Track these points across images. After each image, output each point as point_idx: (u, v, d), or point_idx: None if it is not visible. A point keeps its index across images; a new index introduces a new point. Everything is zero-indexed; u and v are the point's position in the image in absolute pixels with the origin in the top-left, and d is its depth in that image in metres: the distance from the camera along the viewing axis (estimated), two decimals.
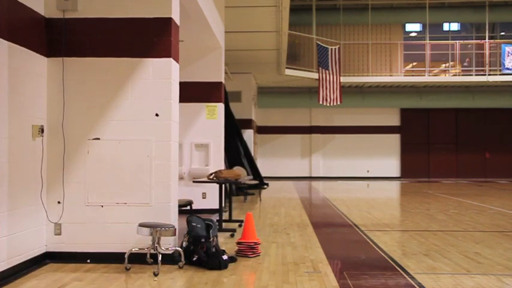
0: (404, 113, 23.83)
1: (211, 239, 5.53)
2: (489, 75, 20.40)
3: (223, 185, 8.02)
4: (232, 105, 15.52)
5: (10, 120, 4.83)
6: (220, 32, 9.75)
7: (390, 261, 5.73)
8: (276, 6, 10.52)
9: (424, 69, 21.01)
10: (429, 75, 20.99)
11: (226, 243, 6.67)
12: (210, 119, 9.89)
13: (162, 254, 5.21)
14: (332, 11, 21.59)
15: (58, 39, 5.59)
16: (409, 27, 23.88)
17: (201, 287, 4.63)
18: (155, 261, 5.22)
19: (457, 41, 21.64)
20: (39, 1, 5.48)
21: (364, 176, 23.53)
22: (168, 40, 5.61)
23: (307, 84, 20.43)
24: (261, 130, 23.51)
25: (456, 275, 5.07)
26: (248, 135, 17.92)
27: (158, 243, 5.25)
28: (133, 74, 5.62)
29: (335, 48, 18.37)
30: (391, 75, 21.51)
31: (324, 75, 18.02)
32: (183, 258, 5.37)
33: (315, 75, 18.43)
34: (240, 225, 8.09)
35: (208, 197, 9.77)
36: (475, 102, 22.38)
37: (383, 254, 6.11)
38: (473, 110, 23.27)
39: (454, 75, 21.51)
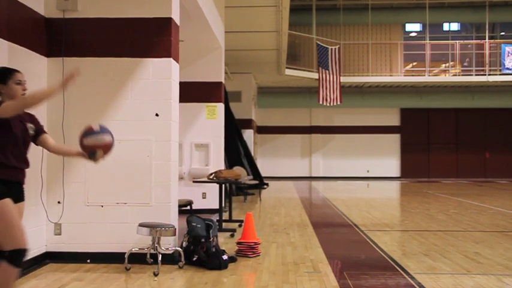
0: (404, 113, 23.83)
1: (211, 239, 5.53)
2: (489, 75, 20.40)
3: (223, 185, 8.02)
4: (232, 105, 15.51)
5: None
6: (220, 32, 9.75)
7: (390, 261, 5.72)
8: (276, 6, 10.52)
9: (424, 69, 21.01)
10: (429, 75, 20.99)
11: (226, 243, 6.67)
12: (210, 119, 9.89)
13: (162, 254, 5.20)
14: (332, 11, 21.59)
15: (58, 39, 5.59)
16: (409, 27, 23.89)
17: (201, 287, 4.63)
18: (155, 261, 5.22)
19: (457, 41, 21.65)
20: (39, 1, 5.48)
21: (364, 176, 23.52)
22: (168, 40, 5.61)
23: (307, 84, 20.43)
24: (261, 130, 23.50)
25: (456, 275, 5.06)
26: (248, 135, 17.91)
27: (158, 243, 5.25)
28: (133, 74, 5.62)
29: (335, 48, 18.37)
30: (391, 75, 21.51)
31: (324, 75, 18.02)
32: (183, 258, 5.36)
33: (315, 75, 18.43)
34: (240, 225, 8.09)
35: (208, 197, 9.77)
36: (475, 102, 22.38)
37: (383, 254, 6.11)
38: (473, 110, 23.27)
39: (454, 75, 21.51)
